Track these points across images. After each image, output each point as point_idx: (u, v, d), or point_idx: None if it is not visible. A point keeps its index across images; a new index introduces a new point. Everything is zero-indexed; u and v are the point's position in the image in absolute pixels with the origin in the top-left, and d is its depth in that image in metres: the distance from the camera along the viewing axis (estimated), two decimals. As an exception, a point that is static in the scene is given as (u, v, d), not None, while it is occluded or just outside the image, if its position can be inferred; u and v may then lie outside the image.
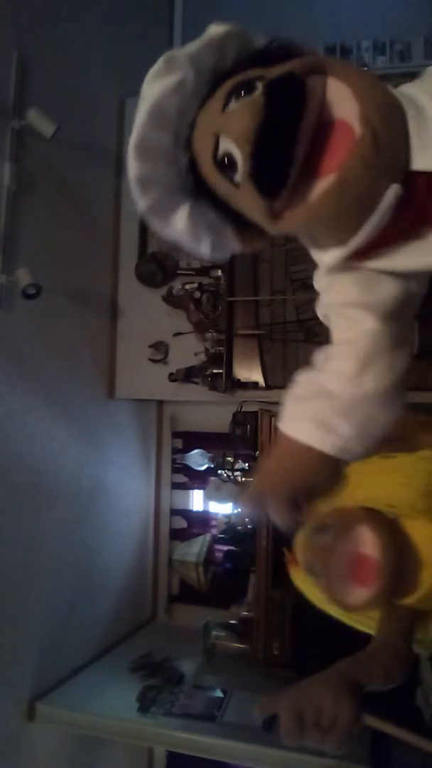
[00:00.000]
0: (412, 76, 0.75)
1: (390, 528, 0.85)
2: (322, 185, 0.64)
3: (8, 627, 2.15)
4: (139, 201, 0.72)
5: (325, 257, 0.75)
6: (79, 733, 2.39)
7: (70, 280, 2.60)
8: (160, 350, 2.88)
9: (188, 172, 0.72)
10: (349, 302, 0.80)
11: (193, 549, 3.06)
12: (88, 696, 2.36)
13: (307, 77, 0.64)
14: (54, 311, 2.45)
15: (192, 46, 0.73)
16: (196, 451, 3.21)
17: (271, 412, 2.77)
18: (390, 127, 0.63)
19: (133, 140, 0.71)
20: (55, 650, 2.39)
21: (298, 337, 2.64)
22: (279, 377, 2.67)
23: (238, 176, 0.67)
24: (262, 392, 2.73)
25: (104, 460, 2.85)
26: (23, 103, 2.22)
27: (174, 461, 3.37)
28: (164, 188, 0.72)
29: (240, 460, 2.98)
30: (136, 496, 3.20)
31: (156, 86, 0.74)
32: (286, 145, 0.61)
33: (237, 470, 2.99)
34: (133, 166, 0.71)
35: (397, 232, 0.70)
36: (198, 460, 3.19)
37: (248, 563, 2.82)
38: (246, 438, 2.85)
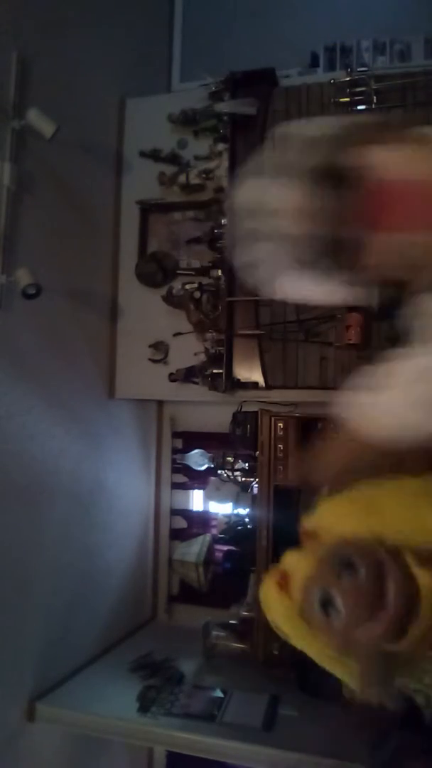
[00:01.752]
0: (412, 76, 0.77)
1: (408, 570, 0.85)
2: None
3: (8, 627, 2.15)
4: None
5: None
6: (79, 733, 2.39)
7: (70, 280, 2.60)
8: (160, 350, 2.88)
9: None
10: None
11: (193, 549, 3.06)
12: (88, 696, 2.36)
13: None
14: (54, 311, 2.45)
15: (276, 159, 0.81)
16: (196, 451, 3.21)
17: (271, 412, 2.77)
18: None
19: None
20: (55, 650, 2.39)
21: (298, 337, 2.63)
22: (279, 377, 2.67)
23: None
24: (262, 392, 2.73)
25: (104, 460, 2.85)
26: (23, 103, 2.22)
27: (174, 461, 3.37)
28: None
29: (240, 460, 2.98)
30: (136, 496, 3.20)
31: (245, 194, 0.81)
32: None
33: (237, 470, 2.99)
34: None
35: None
36: (198, 460, 3.19)
37: (248, 563, 2.82)
38: (246, 438, 2.85)
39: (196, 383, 2.78)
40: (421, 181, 0.72)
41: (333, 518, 1.01)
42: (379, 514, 0.95)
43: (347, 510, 1.00)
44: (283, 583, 0.95)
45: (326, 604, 0.86)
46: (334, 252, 0.77)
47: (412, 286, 0.81)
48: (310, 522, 1.03)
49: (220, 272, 2.77)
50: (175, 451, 3.38)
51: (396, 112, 2.62)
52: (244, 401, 2.84)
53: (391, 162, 0.73)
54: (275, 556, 2.66)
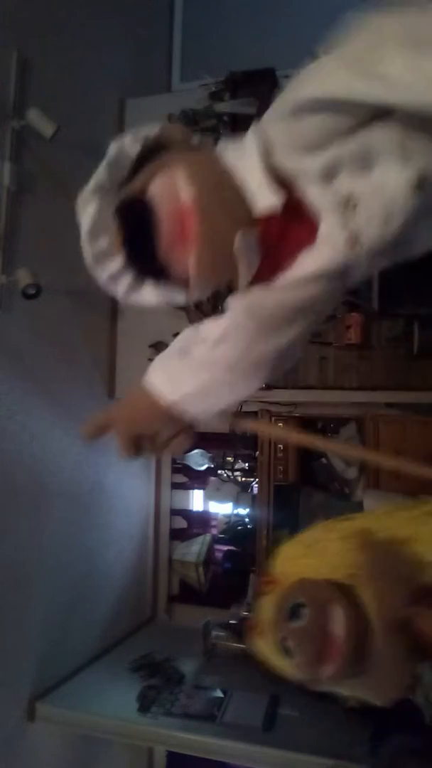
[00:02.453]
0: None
1: (358, 605, 0.87)
2: (191, 262, 0.81)
3: (8, 627, 2.15)
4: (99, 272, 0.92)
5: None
6: (79, 733, 2.40)
7: (70, 280, 2.60)
8: (160, 350, 2.87)
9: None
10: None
11: (193, 549, 3.07)
12: (88, 696, 2.36)
13: (153, 180, 0.82)
14: (54, 311, 2.45)
15: (93, 180, 0.92)
16: (196, 451, 3.21)
17: (271, 412, 2.77)
18: (221, 195, 0.80)
19: (84, 245, 0.89)
20: (55, 650, 2.39)
21: (298, 337, 2.63)
22: (279, 377, 2.67)
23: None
24: (262, 392, 2.73)
25: (104, 460, 2.84)
26: (23, 103, 2.22)
27: (174, 461, 3.37)
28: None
29: (240, 460, 2.99)
30: (136, 496, 3.20)
31: (83, 219, 0.89)
32: (150, 246, 0.81)
33: (237, 470, 3.00)
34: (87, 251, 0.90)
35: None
36: (198, 460, 3.20)
37: (248, 563, 2.83)
38: (246, 438, 2.85)
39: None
40: (196, 201, 0.79)
41: (287, 563, 1.03)
42: (323, 554, 0.97)
43: (298, 553, 1.02)
44: (257, 629, 0.98)
45: (285, 649, 0.89)
46: (141, 267, 0.87)
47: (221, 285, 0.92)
48: (273, 568, 1.05)
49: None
50: (175, 451, 3.38)
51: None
52: (244, 401, 2.84)
53: (167, 187, 0.81)
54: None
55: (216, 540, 3.16)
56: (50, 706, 2.26)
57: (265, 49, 3.27)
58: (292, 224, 0.83)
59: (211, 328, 0.90)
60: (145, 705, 2.29)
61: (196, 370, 0.90)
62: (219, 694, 2.40)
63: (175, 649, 2.77)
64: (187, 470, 3.32)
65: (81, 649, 2.61)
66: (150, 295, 0.93)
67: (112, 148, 0.91)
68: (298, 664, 0.87)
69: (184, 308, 2.82)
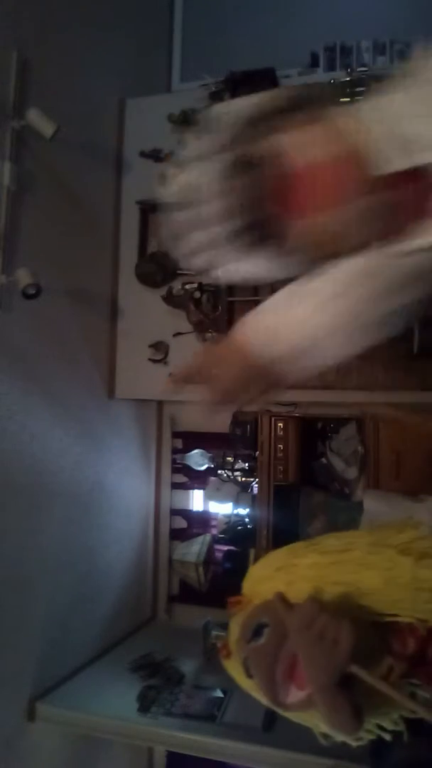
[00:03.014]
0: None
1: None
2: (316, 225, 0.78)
3: (8, 627, 2.15)
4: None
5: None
6: (79, 733, 2.40)
7: (70, 280, 2.60)
8: (160, 350, 2.88)
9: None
10: None
11: (193, 549, 3.07)
12: (88, 696, 2.36)
13: None
14: (54, 311, 2.45)
15: (192, 147, 0.85)
16: (196, 451, 3.21)
17: (271, 412, 2.77)
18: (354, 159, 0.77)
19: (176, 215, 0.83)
20: (55, 650, 2.39)
21: (298, 337, 2.63)
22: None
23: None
24: (261, 392, 2.72)
25: (104, 460, 2.85)
26: (23, 103, 2.22)
27: (174, 461, 3.37)
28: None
29: (240, 460, 2.98)
30: (136, 496, 3.20)
31: (177, 186, 0.85)
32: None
33: (237, 470, 3.00)
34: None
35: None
36: (198, 460, 3.20)
37: (248, 563, 2.82)
38: (246, 438, 2.85)
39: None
40: (326, 162, 0.77)
41: (256, 584, 1.00)
42: (290, 578, 0.94)
43: (266, 575, 1.00)
44: (227, 653, 0.96)
45: (247, 669, 0.87)
46: (258, 232, 0.81)
47: (335, 255, 0.85)
48: (243, 588, 1.03)
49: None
50: (175, 451, 3.39)
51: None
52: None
53: (298, 146, 0.77)
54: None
55: (216, 540, 3.16)
56: (50, 706, 2.26)
57: (265, 49, 3.27)
58: (421, 190, 0.79)
59: (321, 285, 0.86)
60: (145, 705, 2.29)
61: (300, 326, 0.87)
62: (219, 694, 2.40)
63: (175, 649, 2.77)
64: (187, 470, 3.32)
65: (81, 649, 2.61)
66: (251, 265, 0.86)
67: (213, 113, 0.86)
68: (257, 685, 0.85)
69: (184, 308, 2.82)
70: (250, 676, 0.87)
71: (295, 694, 0.83)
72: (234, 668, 0.94)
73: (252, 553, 2.83)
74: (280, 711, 0.88)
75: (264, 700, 0.87)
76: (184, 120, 2.91)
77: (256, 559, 1.09)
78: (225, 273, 0.87)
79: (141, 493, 3.25)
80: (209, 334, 2.79)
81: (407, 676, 0.88)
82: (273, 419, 2.75)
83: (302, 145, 0.77)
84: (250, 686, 0.90)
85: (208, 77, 2.88)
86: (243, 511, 3.06)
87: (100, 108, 2.91)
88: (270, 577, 0.98)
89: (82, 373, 2.72)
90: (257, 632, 0.86)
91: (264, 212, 0.78)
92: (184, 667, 2.63)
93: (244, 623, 0.90)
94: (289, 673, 0.83)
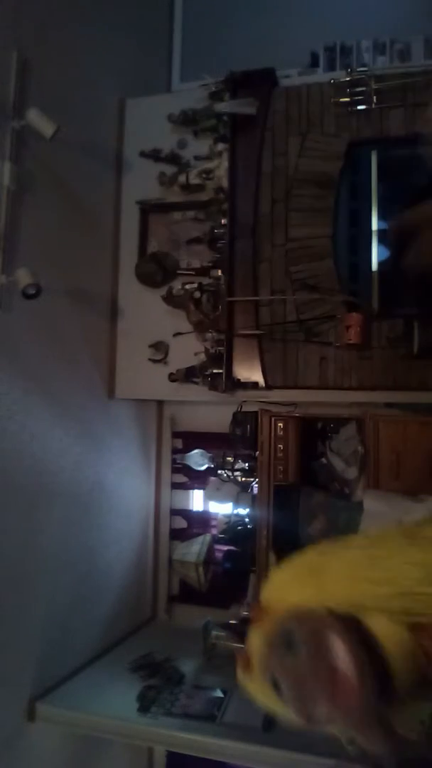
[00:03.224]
0: (412, 76, 0.77)
1: (363, 637, 0.77)
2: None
3: (8, 627, 2.15)
4: None
5: None
6: (79, 733, 2.39)
7: (70, 280, 2.60)
8: (160, 350, 2.88)
9: None
10: None
11: (193, 549, 3.06)
12: (88, 696, 2.36)
13: None
14: (54, 311, 2.45)
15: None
16: (196, 451, 3.21)
17: (271, 412, 2.77)
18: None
19: None
20: (55, 650, 2.39)
21: (298, 337, 2.63)
22: (279, 377, 2.67)
23: None
24: (262, 392, 2.73)
25: (104, 460, 2.85)
26: (23, 103, 2.22)
27: (174, 461, 3.37)
28: None
29: (240, 460, 2.98)
30: (136, 496, 3.20)
31: None
32: None
33: (237, 470, 2.99)
34: None
35: None
36: (198, 460, 3.20)
37: (248, 563, 2.82)
38: (246, 438, 2.85)
39: (196, 383, 2.78)
40: None
41: (279, 589, 0.92)
42: (321, 578, 0.87)
43: (291, 578, 0.92)
44: (247, 666, 0.87)
45: (275, 685, 0.79)
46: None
47: None
48: (262, 596, 0.94)
49: (220, 272, 2.77)
50: (175, 451, 3.39)
51: (396, 113, 2.63)
52: (244, 401, 2.84)
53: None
54: (275, 556, 2.66)
55: (216, 540, 3.16)
56: (50, 706, 2.26)
57: (265, 49, 3.27)
58: None
59: None
60: (145, 705, 2.29)
61: None
62: (219, 694, 2.40)
63: (175, 649, 2.77)
64: (187, 470, 3.32)
65: (81, 649, 2.61)
66: None
67: None
68: (290, 703, 0.77)
69: (184, 308, 2.82)
70: (279, 694, 0.79)
71: (329, 713, 0.76)
72: (256, 685, 0.85)
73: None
74: (309, 727, 0.81)
75: (295, 719, 0.80)
76: (184, 120, 2.91)
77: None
78: None
79: (141, 493, 3.25)
80: (209, 334, 2.79)
81: None
82: (273, 419, 2.75)
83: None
84: (275, 703, 0.82)
85: (208, 77, 2.88)
86: (243, 511, 3.05)
87: (100, 108, 2.91)
88: (298, 581, 0.90)
89: (82, 373, 2.72)
90: (287, 646, 0.78)
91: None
92: (184, 667, 2.63)
93: (272, 635, 0.82)
94: (327, 690, 0.75)
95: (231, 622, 2.79)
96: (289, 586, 0.91)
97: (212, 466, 3.13)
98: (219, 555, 3.12)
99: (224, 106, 2.80)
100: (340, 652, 0.75)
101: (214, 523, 3.29)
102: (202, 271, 2.86)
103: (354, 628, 0.77)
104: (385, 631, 0.77)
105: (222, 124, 2.84)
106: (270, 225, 2.73)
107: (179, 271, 2.92)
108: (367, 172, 2.67)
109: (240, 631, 2.72)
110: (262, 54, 3.08)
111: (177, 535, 3.34)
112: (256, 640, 0.86)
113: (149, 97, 3.10)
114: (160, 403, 3.43)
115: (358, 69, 2.73)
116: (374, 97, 2.64)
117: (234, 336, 2.71)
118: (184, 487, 3.39)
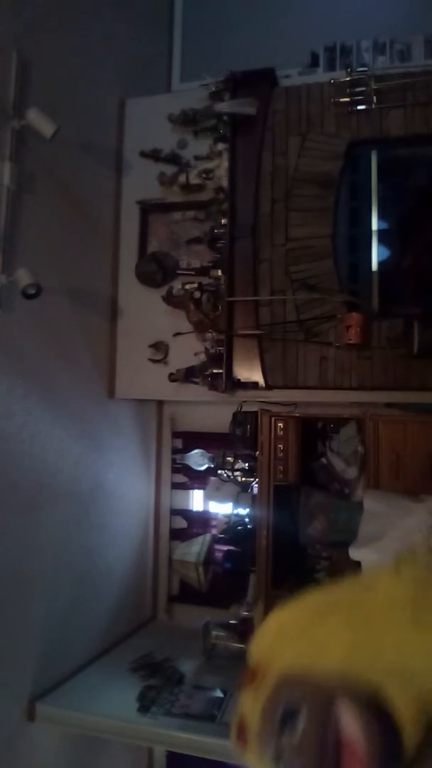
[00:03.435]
0: (412, 76, 0.77)
1: (375, 710, 0.69)
2: None
3: (8, 627, 2.15)
4: None
5: None
6: (79, 733, 2.40)
7: (70, 280, 2.60)
8: (160, 350, 2.88)
9: None
10: None
11: (193, 549, 3.06)
12: (88, 696, 2.36)
13: None
14: (54, 311, 2.45)
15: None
16: (196, 451, 3.21)
17: (271, 412, 2.77)
18: None
19: None
20: (55, 650, 2.39)
21: (298, 337, 2.63)
22: (279, 377, 2.67)
23: None
24: (262, 392, 2.73)
25: (104, 460, 2.85)
26: (23, 103, 2.22)
27: (174, 461, 3.37)
28: None
29: (240, 460, 2.98)
30: (136, 496, 3.20)
31: None
32: None
33: (237, 470, 2.99)
34: None
35: None
36: (198, 460, 3.20)
37: (248, 563, 2.82)
38: (246, 438, 2.85)
39: (196, 383, 2.78)
40: None
41: (270, 648, 0.83)
42: (318, 637, 0.78)
43: (285, 634, 0.83)
44: (242, 736, 0.78)
45: (278, 760, 0.71)
46: None
47: None
48: (253, 652, 0.85)
49: (220, 272, 2.77)
50: (175, 451, 3.39)
51: (396, 113, 2.63)
52: (244, 401, 2.84)
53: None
54: (275, 562, 2.66)
55: (216, 540, 3.16)
56: (50, 706, 2.26)
57: (265, 49, 3.28)
58: None
59: None
60: (145, 705, 2.30)
61: None
62: (219, 694, 2.40)
63: (175, 649, 2.77)
64: (187, 470, 3.32)
65: (81, 649, 2.61)
66: None
67: None
68: None
69: (184, 308, 2.82)
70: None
71: None
72: (253, 757, 0.77)
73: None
74: None
75: None
76: (184, 120, 2.91)
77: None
78: None
79: (141, 493, 3.25)
80: (209, 334, 2.79)
81: None
82: (273, 419, 2.75)
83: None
84: None
85: (208, 77, 2.88)
86: (243, 511, 3.05)
87: (100, 108, 2.91)
88: (292, 639, 0.82)
89: (82, 373, 2.72)
90: (287, 718, 0.70)
91: None
92: (184, 667, 2.63)
93: (268, 707, 0.73)
94: (334, 762, 0.68)
95: (231, 622, 2.79)
96: (282, 643, 0.83)
97: (212, 466, 3.13)
98: (219, 555, 3.12)
99: (224, 106, 2.80)
100: (352, 730, 0.67)
101: (214, 523, 3.29)
102: (202, 271, 2.86)
103: (365, 701, 0.69)
104: (400, 704, 0.69)
105: (222, 124, 2.84)
106: (270, 225, 2.73)
107: (179, 271, 2.92)
108: (367, 172, 2.68)
109: (240, 631, 2.72)
110: (262, 54, 3.09)
111: (177, 535, 3.34)
112: (249, 707, 0.77)
113: (149, 97, 3.10)
114: (160, 403, 3.43)
115: (358, 69, 2.73)
116: (374, 97, 2.64)
117: (234, 336, 2.71)
118: (184, 487, 3.39)
